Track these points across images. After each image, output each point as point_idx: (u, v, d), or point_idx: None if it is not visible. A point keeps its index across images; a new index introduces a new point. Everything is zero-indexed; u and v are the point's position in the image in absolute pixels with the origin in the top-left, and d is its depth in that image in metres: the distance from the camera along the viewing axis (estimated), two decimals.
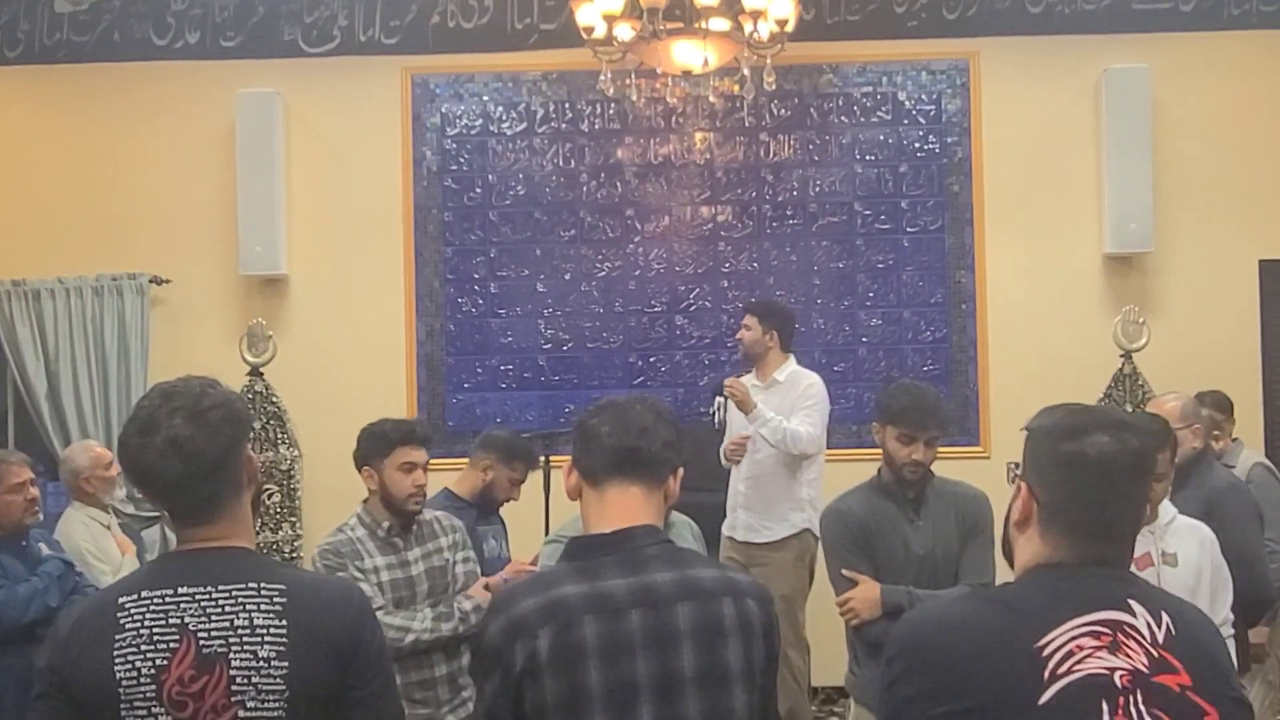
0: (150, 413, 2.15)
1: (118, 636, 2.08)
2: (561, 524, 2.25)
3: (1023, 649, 1.89)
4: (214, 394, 2.18)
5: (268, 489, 7.15)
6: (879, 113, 7.49)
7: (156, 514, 6.39)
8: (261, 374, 7.29)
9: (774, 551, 5.94)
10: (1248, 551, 4.33)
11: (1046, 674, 1.86)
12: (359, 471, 4.31)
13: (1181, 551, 3.87)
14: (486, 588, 4.38)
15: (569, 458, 2.43)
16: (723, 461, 6.17)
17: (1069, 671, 1.86)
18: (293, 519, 7.25)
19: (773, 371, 6.17)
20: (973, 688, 1.88)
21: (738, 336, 6.27)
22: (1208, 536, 3.97)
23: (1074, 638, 1.89)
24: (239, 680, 2.06)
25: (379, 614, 4.03)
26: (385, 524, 4.26)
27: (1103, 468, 1.97)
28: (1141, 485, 2.04)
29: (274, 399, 7.30)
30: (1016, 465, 2.22)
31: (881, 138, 7.48)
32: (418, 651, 4.18)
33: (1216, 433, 5.68)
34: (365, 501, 4.34)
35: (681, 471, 2.46)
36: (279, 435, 7.26)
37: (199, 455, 2.12)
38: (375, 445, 4.29)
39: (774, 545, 5.96)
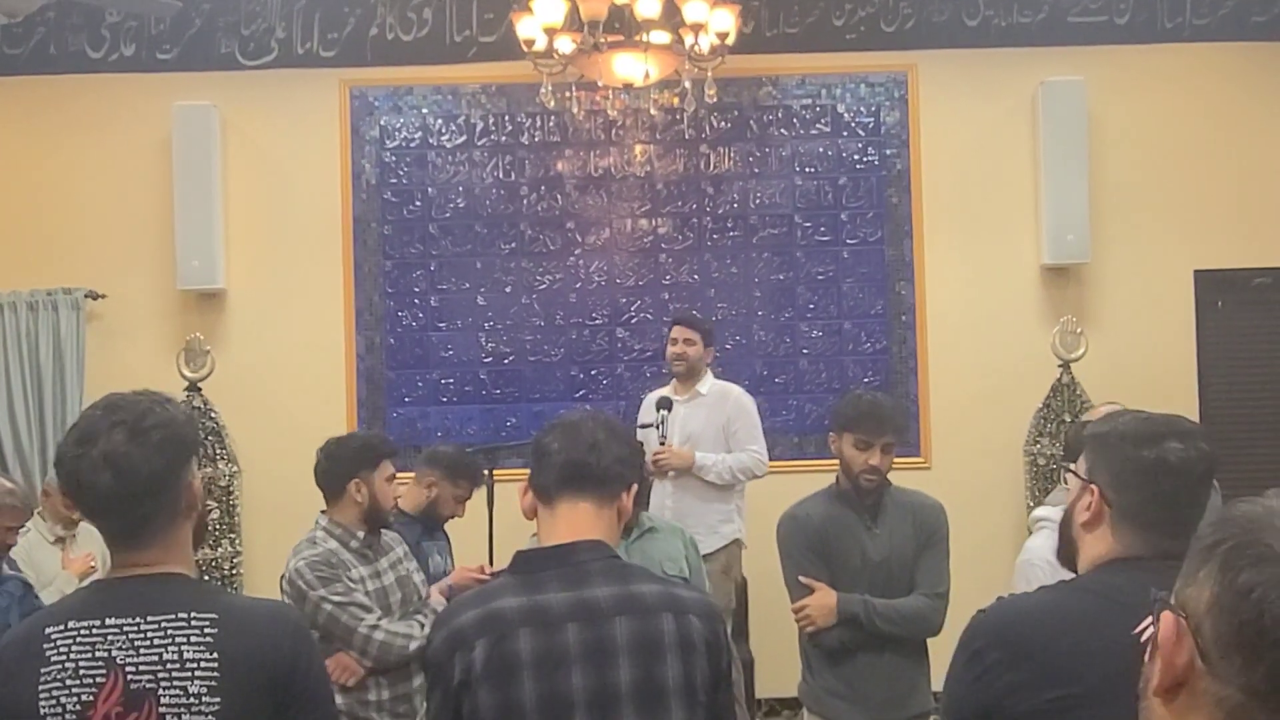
0: (91, 424, 2.08)
1: (43, 670, 2.01)
2: None
3: (1124, 637, 1.95)
4: (160, 412, 2.10)
5: (208, 504, 7.03)
6: (818, 125, 7.51)
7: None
8: (200, 389, 7.19)
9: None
10: None
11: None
12: (342, 484, 4.22)
13: None
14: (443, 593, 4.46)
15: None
16: (648, 476, 6.11)
17: None
18: (232, 535, 7.15)
19: (695, 385, 6.17)
20: (1081, 674, 1.98)
21: (679, 352, 6.18)
22: None
23: None
24: (168, 717, 2.00)
25: (383, 623, 4.04)
26: (360, 535, 4.23)
27: (1183, 472, 2.14)
28: (1209, 487, 2.21)
29: (212, 414, 7.18)
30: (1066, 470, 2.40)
31: (821, 150, 7.50)
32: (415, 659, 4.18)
33: None
34: (327, 514, 4.27)
35: (636, 488, 2.46)
36: (218, 451, 7.14)
37: (133, 473, 2.04)
38: (365, 457, 4.27)
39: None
